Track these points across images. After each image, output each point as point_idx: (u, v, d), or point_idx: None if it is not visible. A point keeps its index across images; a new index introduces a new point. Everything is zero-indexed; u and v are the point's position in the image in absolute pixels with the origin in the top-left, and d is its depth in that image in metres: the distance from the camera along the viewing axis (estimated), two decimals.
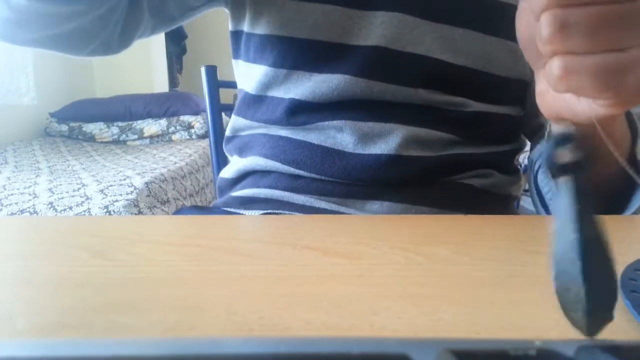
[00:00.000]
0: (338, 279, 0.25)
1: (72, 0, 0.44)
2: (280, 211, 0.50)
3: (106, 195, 1.35)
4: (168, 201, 1.56)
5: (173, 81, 3.72)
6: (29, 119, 2.63)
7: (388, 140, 0.49)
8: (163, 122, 2.68)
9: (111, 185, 1.44)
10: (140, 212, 1.33)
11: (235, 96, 0.69)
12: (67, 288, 0.24)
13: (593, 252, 0.16)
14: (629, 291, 0.22)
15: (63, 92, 2.89)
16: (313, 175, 0.50)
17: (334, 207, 0.50)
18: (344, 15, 0.49)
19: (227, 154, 0.63)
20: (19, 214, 1.25)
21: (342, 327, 0.20)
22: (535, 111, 0.56)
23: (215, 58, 2.47)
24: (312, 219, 0.39)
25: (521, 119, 0.58)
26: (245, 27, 0.55)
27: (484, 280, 0.25)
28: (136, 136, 2.65)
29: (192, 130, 2.70)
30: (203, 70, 0.88)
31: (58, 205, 1.29)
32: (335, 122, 0.50)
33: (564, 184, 0.17)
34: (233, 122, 0.60)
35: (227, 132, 0.61)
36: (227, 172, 0.59)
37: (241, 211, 0.53)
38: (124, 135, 2.65)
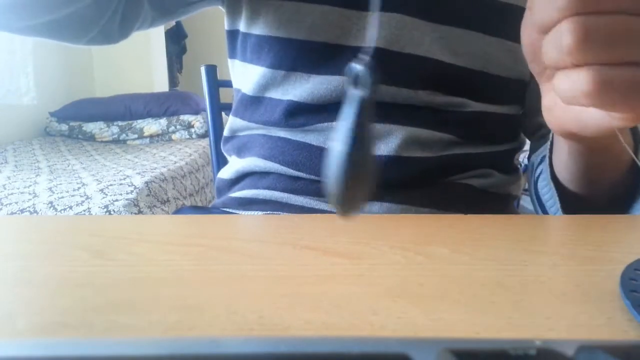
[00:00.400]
0: (338, 279, 0.25)
1: None
2: (279, 212, 0.50)
3: (106, 194, 1.35)
4: (168, 201, 1.56)
5: (173, 80, 3.72)
6: (29, 118, 2.63)
7: (388, 142, 0.49)
8: (163, 121, 2.68)
9: (111, 185, 1.44)
10: (140, 212, 1.33)
11: None
12: (67, 288, 0.24)
13: (353, 163, 0.20)
14: (629, 291, 0.22)
15: (63, 91, 2.89)
16: (312, 177, 0.50)
17: (329, 214, 0.50)
18: (342, 16, 0.49)
19: (225, 153, 0.63)
20: (19, 214, 1.25)
21: (342, 327, 0.20)
22: (534, 110, 0.55)
23: (215, 57, 2.47)
24: (312, 219, 0.39)
25: (520, 118, 0.57)
26: (242, 26, 0.54)
27: (484, 280, 0.25)
28: (136, 135, 2.65)
29: (192, 130, 2.70)
30: (203, 69, 0.88)
31: (58, 205, 1.29)
32: (335, 124, 0.50)
33: (352, 103, 0.21)
34: (231, 123, 0.60)
35: (225, 132, 0.61)
36: (226, 173, 0.59)
37: (240, 212, 0.53)
38: (124, 135, 2.65)
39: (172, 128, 2.68)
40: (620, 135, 0.26)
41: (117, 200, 1.31)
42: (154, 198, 1.47)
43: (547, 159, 0.46)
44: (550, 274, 0.26)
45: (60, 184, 1.48)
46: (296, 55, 0.50)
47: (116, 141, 2.66)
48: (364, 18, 0.49)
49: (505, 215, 0.41)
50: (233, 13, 0.55)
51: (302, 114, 0.51)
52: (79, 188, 1.42)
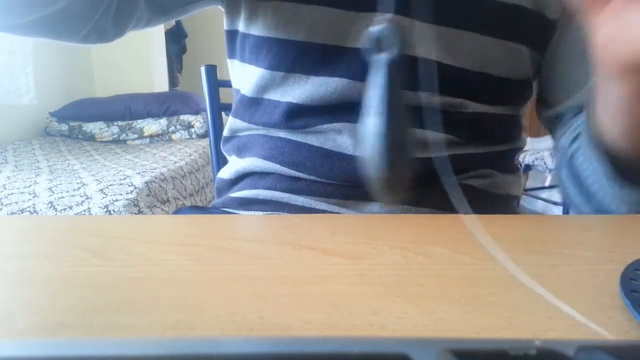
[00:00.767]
0: (338, 278, 0.25)
1: None
2: (279, 213, 0.50)
3: (106, 194, 1.35)
4: (168, 201, 1.56)
5: (173, 80, 3.72)
6: (29, 118, 2.63)
7: None
8: (163, 121, 2.68)
9: (111, 185, 1.44)
10: (140, 212, 1.33)
11: None
12: (67, 288, 0.24)
13: (391, 132, 0.19)
14: (629, 291, 0.22)
15: (63, 91, 2.89)
16: (313, 177, 0.50)
17: (334, 208, 0.50)
18: (341, 18, 0.49)
19: (225, 153, 0.63)
20: (19, 214, 1.25)
21: (342, 327, 0.20)
22: (551, 102, 0.55)
23: (215, 57, 2.46)
24: (312, 219, 0.39)
25: (520, 118, 0.57)
26: (241, 26, 0.54)
27: (484, 280, 0.25)
28: (136, 135, 2.65)
29: (192, 130, 2.70)
30: (203, 69, 0.88)
31: (58, 205, 1.29)
32: (334, 125, 0.50)
33: (381, 69, 0.19)
34: (231, 123, 0.59)
35: (225, 132, 0.61)
36: (226, 173, 0.59)
37: (240, 212, 0.53)
38: (124, 135, 2.65)
39: (172, 128, 2.68)
40: None
41: (117, 200, 1.31)
42: (154, 198, 1.47)
43: (584, 133, 0.42)
44: (550, 274, 0.26)
45: (60, 184, 1.48)
46: (295, 56, 0.50)
47: (116, 141, 2.66)
48: (363, 19, 0.49)
49: (505, 215, 0.41)
50: (232, 13, 0.55)
51: (302, 116, 0.51)
52: (79, 188, 1.42)
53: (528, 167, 2.51)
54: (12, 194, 1.38)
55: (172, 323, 0.20)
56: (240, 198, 0.54)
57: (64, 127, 2.70)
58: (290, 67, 0.51)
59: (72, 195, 1.35)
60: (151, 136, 2.67)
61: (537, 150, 2.54)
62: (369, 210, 0.50)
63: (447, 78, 0.49)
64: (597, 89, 0.37)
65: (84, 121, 2.69)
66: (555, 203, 2.55)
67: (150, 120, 2.68)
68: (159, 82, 3.35)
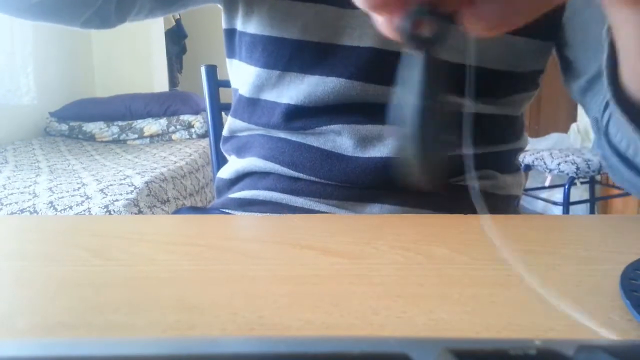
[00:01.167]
0: (338, 278, 0.25)
1: None
2: (278, 214, 0.50)
3: (106, 194, 1.35)
4: (168, 201, 1.56)
5: (173, 80, 3.72)
6: (29, 118, 2.63)
7: (387, 143, 0.49)
8: (163, 121, 2.68)
9: (111, 185, 1.44)
10: (140, 212, 1.33)
11: None
12: (67, 288, 0.24)
13: (429, 117, 0.18)
14: (629, 291, 0.22)
15: (63, 91, 2.89)
16: (312, 178, 0.50)
17: (333, 209, 0.50)
18: (336, 15, 0.48)
19: (224, 153, 0.63)
20: (19, 214, 1.25)
21: (342, 326, 0.20)
22: (579, 70, 0.50)
23: (215, 57, 2.47)
24: (312, 219, 0.39)
25: (521, 118, 0.57)
26: (238, 25, 0.54)
27: (484, 280, 0.25)
28: (136, 135, 2.65)
29: (192, 130, 2.70)
30: (203, 69, 0.88)
31: (58, 205, 1.29)
32: (333, 127, 0.50)
33: (419, 54, 0.19)
34: (230, 123, 0.59)
35: (224, 132, 0.61)
36: (225, 173, 0.59)
37: (239, 213, 0.53)
38: (124, 135, 2.65)
39: (172, 128, 2.68)
40: None
41: (117, 200, 1.31)
42: (154, 198, 1.47)
43: (606, 88, 0.37)
44: (550, 274, 0.26)
45: (61, 184, 1.48)
46: (290, 55, 0.50)
47: (116, 141, 2.66)
48: (358, 17, 0.48)
49: (505, 215, 0.41)
50: (230, 11, 0.55)
51: (300, 117, 0.51)
52: (79, 188, 1.42)
53: (528, 167, 2.51)
54: (12, 194, 1.38)
55: (172, 323, 0.20)
56: (240, 199, 0.54)
57: (64, 127, 2.70)
58: (285, 65, 0.50)
59: (72, 195, 1.35)
60: (151, 136, 2.67)
61: (537, 150, 2.54)
62: (368, 212, 0.50)
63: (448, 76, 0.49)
64: (612, 31, 0.32)
65: (84, 121, 2.69)
66: (555, 203, 2.55)
67: (150, 120, 2.68)
68: (159, 82, 3.35)
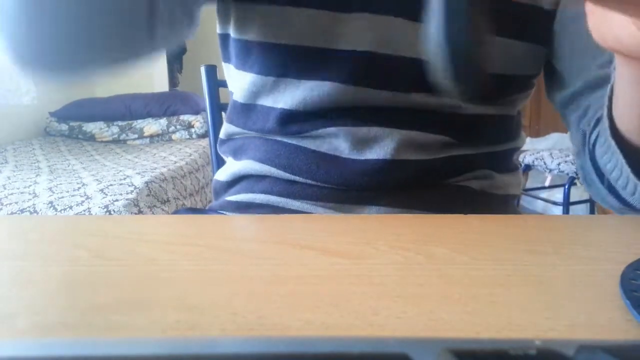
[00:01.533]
0: (338, 279, 0.25)
1: None
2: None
3: (106, 194, 1.35)
4: (168, 201, 1.56)
5: (173, 81, 3.72)
6: (29, 118, 2.63)
7: (383, 145, 0.49)
8: (163, 121, 2.68)
9: (111, 185, 1.44)
10: (140, 212, 1.33)
11: None
12: (67, 288, 0.24)
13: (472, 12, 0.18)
14: (629, 291, 0.22)
15: (63, 91, 2.89)
16: (308, 181, 0.50)
17: (330, 212, 0.50)
18: (330, 20, 0.48)
19: (222, 155, 0.63)
20: (19, 214, 1.25)
21: (342, 327, 0.20)
22: (563, 82, 0.51)
23: (215, 57, 2.47)
24: (311, 219, 0.39)
25: (518, 117, 0.57)
26: (231, 31, 0.53)
27: (484, 280, 0.25)
28: (136, 135, 2.65)
29: (192, 130, 2.70)
30: (203, 69, 0.88)
31: (58, 205, 1.29)
32: (329, 130, 0.49)
33: None
34: (225, 128, 0.59)
35: (221, 135, 0.61)
36: (222, 175, 0.59)
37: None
38: (124, 135, 2.65)
39: (172, 128, 2.68)
40: None
41: (117, 200, 1.31)
42: (154, 198, 1.47)
43: (604, 117, 0.40)
44: (550, 274, 0.26)
45: (61, 184, 1.48)
46: (285, 61, 0.49)
47: (116, 141, 2.66)
48: (353, 21, 0.48)
49: (505, 215, 0.41)
50: (223, 16, 0.55)
51: (296, 121, 0.50)
52: (79, 188, 1.42)
53: (528, 167, 2.51)
54: (12, 194, 1.38)
55: (172, 323, 0.20)
56: (237, 202, 0.54)
57: (64, 127, 2.70)
58: (280, 72, 0.50)
59: (72, 195, 1.35)
60: (151, 136, 2.67)
61: (537, 150, 2.54)
62: (365, 214, 0.49)
63: None
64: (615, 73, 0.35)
65: (84, 121, 2.69)
66: (555, 203, 2.55)
67: (150, 120, 2.68)
68: (159, 82, 3.35)
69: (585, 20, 0.29)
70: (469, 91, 0.18)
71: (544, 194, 2.78)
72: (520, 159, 0.65)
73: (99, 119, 2.69)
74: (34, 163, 1.90)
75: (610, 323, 0.21)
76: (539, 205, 2.94)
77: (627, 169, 0.39)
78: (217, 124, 0.90)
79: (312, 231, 0.34)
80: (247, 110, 0.54)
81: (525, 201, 3.02)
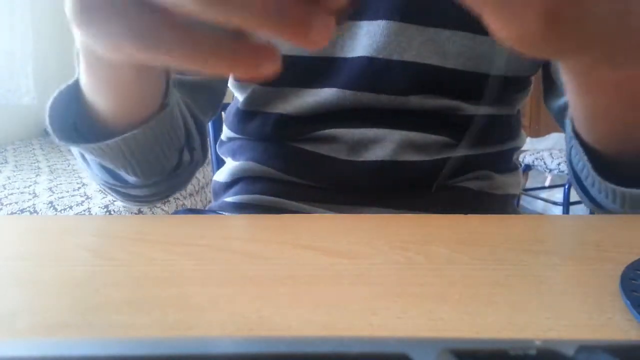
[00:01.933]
0: (338, 278, 0.25)
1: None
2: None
3: (106, 194, 1.35)
4: (168, 201, 1.56)
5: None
6: (29, 118, 2.63)
7: (382, 147, 0.49)
8: None
9: None
10: (140, 212, 1.33)
11: None
12: (67, 288, 0.24)
13: None
14: (629, 291, 0.22)
15: None
16: (306, 182, 0.50)
17: (328, 214, 0.50)
18: None
19: (221, 156, 0.63)
20: (19, 214, 1.25)
21: (342, 327, 0.20)
22: (558, 89, 0.53)
23: None
24: (311, 219, 0.39)
25: (517, 116, 0.57)
26: None
27: (484, 280, 0.25)
28: None
29: None
30: None
31: (58, 205, 1.29)
32: (328, 132, 0.49)
33: None
34: (225, 131, 0.60)
35: (222, 136, 0.61)
36: (221, 175, 0.59)
37: None
38: None
39: None
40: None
41: (117, 200, 1.31)
42: None
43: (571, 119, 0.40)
44: (550, 274, 0.26)
45: (61, 184, 1.48)
46: (284, 70, 0.49)
47: None
48: (351, 28, 0.48)
49: (505, 215, 0.41)
50: None
51: (293, 126, 0.50)
52: (79, 188, 1.42)
53: (528, 167, 2.51)
54: (12, 194, 1.38)
55: (172, 323, 0.20)
56: (235, 203, 0.54)
57: None
58: (279, 81, 0.50)
59: (72, 195, 1.35)
60: None
61: (537, 150, 2.54)
62: (366, 212, 0.49)
63: (438, 80, 0.49)
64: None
65: None
66: (555, 203, 2.55)
67: None
68: None
69: None
70: None
71: (544, 194, 2.78)
72: (520, 159, 0.65)
73: None
74: (34, 163, 1.90)
75: (610, 323, 0.21)
76: (539, 205, 2.94)
77: (587, 162, 0.38)
78: (217, 125, 0.90)
79: (312, 231, 0.34)
80: (245, 117, 0.54)
81: (525, 201, 3.02)
